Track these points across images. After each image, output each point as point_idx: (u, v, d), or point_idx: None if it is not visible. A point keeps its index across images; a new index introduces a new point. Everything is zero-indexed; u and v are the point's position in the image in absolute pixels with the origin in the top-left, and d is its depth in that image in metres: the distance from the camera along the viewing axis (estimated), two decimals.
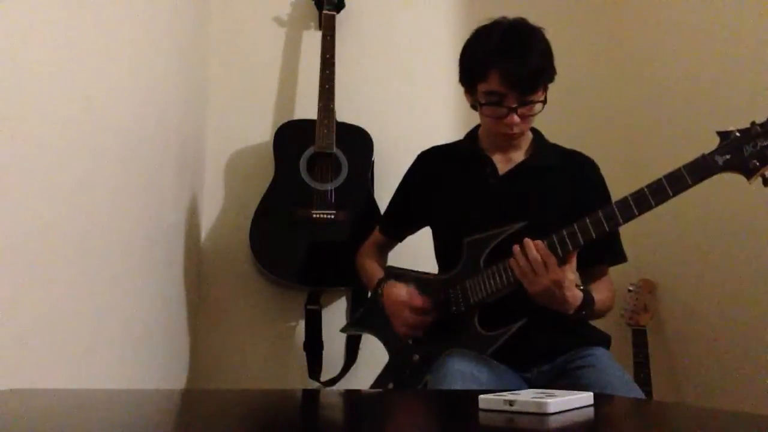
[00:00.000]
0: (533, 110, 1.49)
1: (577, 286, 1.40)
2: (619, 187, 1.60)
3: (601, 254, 1.52)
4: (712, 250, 2.00)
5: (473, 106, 1.58)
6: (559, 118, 1.92)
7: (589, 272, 1.56)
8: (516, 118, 1.47)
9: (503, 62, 1.44)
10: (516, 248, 1.38)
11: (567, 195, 1.54)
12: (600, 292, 1.47)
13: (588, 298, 1.41)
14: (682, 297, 2.13)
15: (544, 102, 1.50)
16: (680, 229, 2.08)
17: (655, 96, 2.31)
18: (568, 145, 1.65)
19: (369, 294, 1.77)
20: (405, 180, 1.75)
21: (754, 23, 1.88)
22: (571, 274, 1.36)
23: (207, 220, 2.18)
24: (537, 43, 1.48)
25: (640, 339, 2.07)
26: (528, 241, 1.37)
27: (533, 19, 1.52)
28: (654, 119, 2.30)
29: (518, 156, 1.59)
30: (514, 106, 1.46)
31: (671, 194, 1.31)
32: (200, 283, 2.12)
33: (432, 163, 1.69)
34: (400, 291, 1.57)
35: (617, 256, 1.57)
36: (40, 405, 0.79)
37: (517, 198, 1.53)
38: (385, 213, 1.82)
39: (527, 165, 1.56)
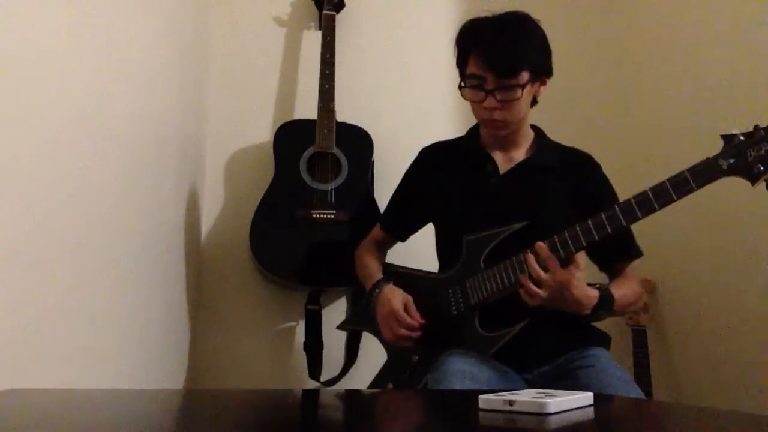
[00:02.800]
0: (513, 95, 1.46)
1: (594, 285, 1.40)
2: (619, 188, 1.60)
3: (614, 252, 1.52)
4: (712, 250, 2.00)
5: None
6: (560, 118, 1.92)
7: (609, 271, 1.56)
8: (493, 102, 1.46)
9: (482, 44, 1.46)
10: (524, 277, 1.38)
11: (569, 195, 1.53)
12: (618, 289, 1.45)
13: (606, 297, 1.40)
14: (682, 297, 2.13)
15: (530, 95, 1.49)
16: (680, 229, 2.08)
17: (657, 96, 2.31)
18: (569, 145, 1.65)
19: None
20: (406, 176, 1.74)
21: (759, 24, 1.88)
22: (578, 273, 1.35)
23: (207, 220, 2.18)
24: (524, 31, 1.48)
25: (640, 339, 2.07)
26: (530, 257, 1.37)
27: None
28: (655, 119, 2.30)
29: (519, 155, 1.58)
30: (491, 88, 1.45)
31: (675, 198, 1.30)
32: (200, 283, 2.12)
33: (433, 160, 1.69)
34: (396, 300, 1.55)
35: (631, 252, 1.56)
36: (40, 405, 0.79)
37: (518, 197, 1.53)
38: (386, 209, 1.81)
39: (528, 164, 1.56)
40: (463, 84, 1.52)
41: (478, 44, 1.47)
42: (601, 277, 1.56)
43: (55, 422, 0.71)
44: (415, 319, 1.52)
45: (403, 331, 1.51)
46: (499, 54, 1.44)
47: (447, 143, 1.71)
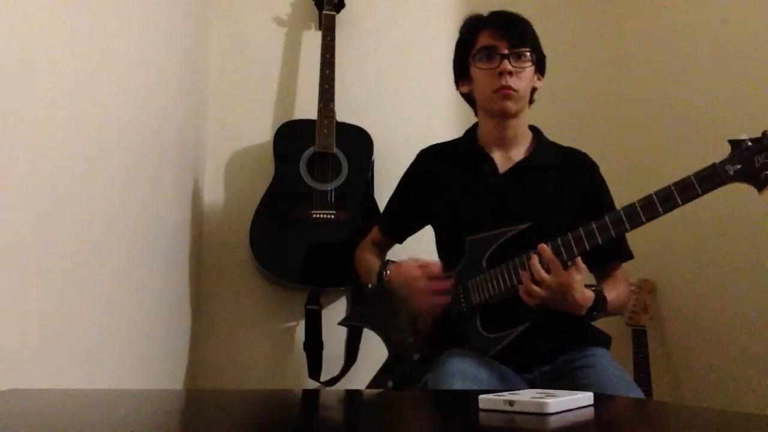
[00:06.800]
0: (525, 62, 1.52)
1: (589, 286, 1.40)
2: (619, 188, 1.61)
3: (607, 253, 1.52)
4: (712, 250, 2.00)
5: (468, 96, 1.62)
6: (560, 117, 1.92)
7: (598, 271, 1.56)
8: (508, 65, 1.50)
9: (492, 20, 1.56)
10: (525, 275, 1.38)
11: (567, 194, 1.54)
12: (611, 290, 1.46)
13: (600, 298, 1.41)
14: (682, 297, 2.13)
15: (532, 80, 1.55)
16: (680, 229, 2.08)
17: (658, 96, 2.31)
18: (568, 145, 1.65)
19: (367, 286, 1.72)
20: (405, 178, 1.74)
21: (765, 23, 1.88)
22: (577, 275, 1.35)
23: (207, 220, 2.18)
24: (525, 19, 1.57)
25: (640, 339, 2.07)
26: (534, 258, 1.37)
27: (533, 18, 1.56)
28: (656, 119, 2.30)
29: (518, 154, 1.59)
30: (506, 52, 1.51)
31: (680, 203, 1.29)
32: (200, 283, 2.12)
33: (432, 161, 1.69)
34: (410, 265, 1.53)
35: (623, 253, 1.56)
36: (40, 405, 0.79)
37: (518, 197, 1.53)
38: (384, 210, 1.81)
39: (527, 163, 1.56)
40: (474, 62, 1.55)
41: (487, 22, 1.56)
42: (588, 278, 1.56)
43: (55, 422, 0.71)
44: (436, 267, 1.48)
45: (432, 284, 1.48)
46: (510, 24, 1.53)
47: (445, 144, 1.71)
